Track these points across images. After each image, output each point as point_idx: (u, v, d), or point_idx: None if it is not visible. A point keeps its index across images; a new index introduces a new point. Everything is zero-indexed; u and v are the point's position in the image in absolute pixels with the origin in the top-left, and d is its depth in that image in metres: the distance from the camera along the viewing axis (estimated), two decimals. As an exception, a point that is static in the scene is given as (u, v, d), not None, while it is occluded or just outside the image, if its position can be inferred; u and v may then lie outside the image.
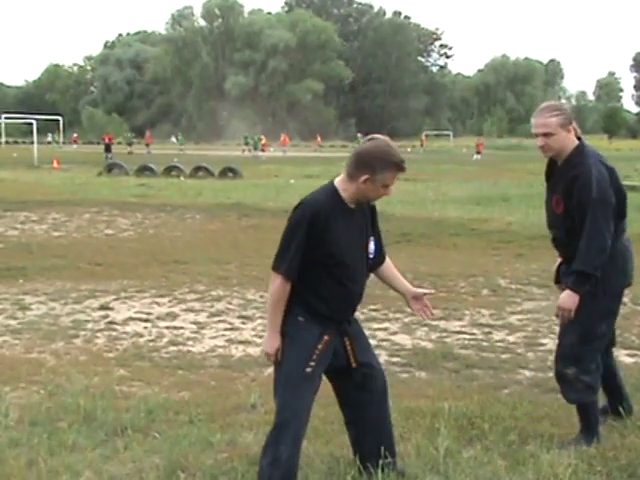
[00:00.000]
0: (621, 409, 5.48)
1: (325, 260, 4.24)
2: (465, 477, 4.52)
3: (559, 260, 5.43)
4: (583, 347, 5.05)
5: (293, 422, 4.25)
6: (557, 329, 8.54)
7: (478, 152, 61.48)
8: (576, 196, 4.92)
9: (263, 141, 67.11)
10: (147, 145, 74.12)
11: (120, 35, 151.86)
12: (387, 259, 4.65)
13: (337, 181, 4.34)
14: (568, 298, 4.95)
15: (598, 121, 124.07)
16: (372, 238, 4.47)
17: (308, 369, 4.24)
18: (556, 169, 5.19)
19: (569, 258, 5.13)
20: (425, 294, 4.64)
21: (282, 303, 4.25)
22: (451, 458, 4.77)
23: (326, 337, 4.27)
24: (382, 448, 4.49)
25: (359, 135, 68.82)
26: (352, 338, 4.41)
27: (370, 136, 4.40)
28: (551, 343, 8.11)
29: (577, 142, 5.08)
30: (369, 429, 4.52)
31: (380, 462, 4.46)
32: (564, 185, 5.03)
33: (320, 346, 4.26)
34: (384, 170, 4.22)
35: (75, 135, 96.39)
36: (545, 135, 5.04)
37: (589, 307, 4.97)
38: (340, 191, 4.30)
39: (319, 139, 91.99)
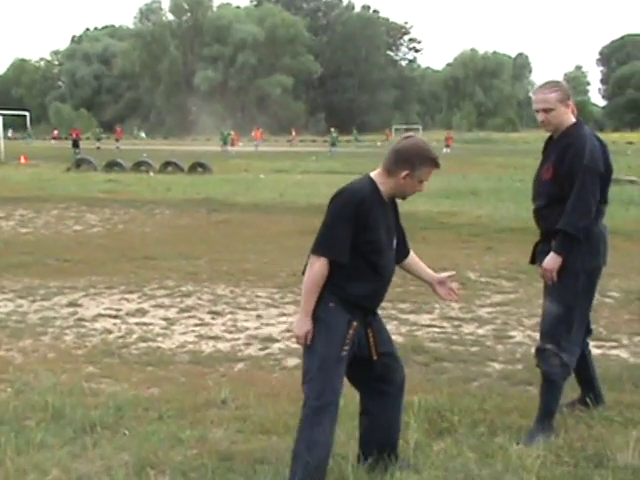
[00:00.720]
0: (589, 400, 5.53)
1: (365, 247, 4.34)
2: (435, 470, 4.53)
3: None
4: (563, 325, 5.15)
5: (331, 405, 4.34)
6: (526, 322, 8.67)
7: (447, 146, 61.64)
8: (568, 162, 5.10)
9: (232, 136, 66.88)
10: (117, 140, 73.65)
11: (87, 29, 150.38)
12: (411, 252, 4.81)
13: (374, 175, 4.48)
14: (551, 259, 5.13)
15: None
16: (396, 232, 4.61)
17: (343, 352, 4.33)
18: (553, 142, 5.36)
19: (547, 233, 5.30)
20: (449, 276, 4.79)
21: (319, 287, 4.33)
22: (421, 451, 4.79)
23: (355, 323, 4.37)
24: (391, 442, 4.60)
25: (332, 130, 68.75)
26: (375, 331, 4.51)
27: (406, 134, 4.58)
28: (520, 335, 8.18)
29: (574, 120, 5.25)
30: (382, 421, 4.58)
31: (386, 455, 4.54)
32: (557, 153, 5.20)
33: (351, 331, 4.36)
34: (422, 166, 4.40)
35: (56, 132, 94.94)
36: (545, 110, 5.22)
37: (569, 285, 5.12)
38: (378, 184, 4.43)
39: (294, 133, 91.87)
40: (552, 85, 5.28)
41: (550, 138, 5.44)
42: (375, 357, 4.48)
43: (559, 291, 5.15)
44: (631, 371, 6.56)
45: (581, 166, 5.02)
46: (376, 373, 4.54)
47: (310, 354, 4.39)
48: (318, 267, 4.31)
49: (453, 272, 4.89)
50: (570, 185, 5.05)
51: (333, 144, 62.49)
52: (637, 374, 6.46)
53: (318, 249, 4.34)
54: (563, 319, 5.15)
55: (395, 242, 4.59)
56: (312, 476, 4.25)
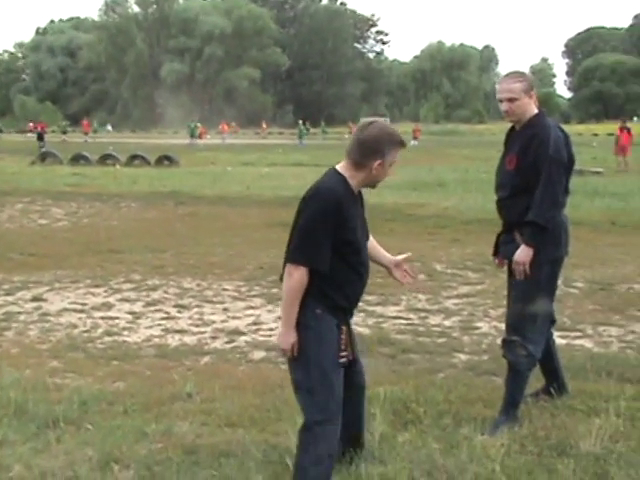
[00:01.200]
0: (552, 390, 5.57)
1: (344, 248, 4.13)
2: (400, 461, 4.54)
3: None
4: (528, 316, 5.17)
5: (335, 417, 4.15)
6: (492, 313, 8.71)
7: (415, 138, 61.73)
8: (532, 154, 5.11)
9: (200, 128, 66.58)
10: (85, 133, 73.04)
11: (52, 21, 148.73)
12: (370, 237, 4.57)
13: (341, 169, 4.25)
14: (522, 252, 5.11)
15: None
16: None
17: (341, 359, 4.19)
18: (516, 133, 5.37)
19: (509, 224, 5.32)
20: (404, 259, 4.66)
21: (299, 297, 4.08)
22: (386, 443, 4.80)
23: (343, 327, 4.23)
24: (355, 437, 4.55)
25: (300, 122, 68.75)
26: (351, 331, 4.36)
27: (366, 121, 4.38)
28: (486, 326, 8.22)
29: (536, 111, 5.28)
30: (347, 421, 4.34)
31: (351, 448, 4.51)
32: (521, 143, 5.21)
33: (343, 336, 4.22)
34: (391, 150, 4.22)
35: (32, 124, 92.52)
36: (509, 100, 5.23)
37: (532, 277, 5.12)
38: (347, 179, 4.21)
39: (265, 126, 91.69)
40: (517, 75, 5.31)
41: (512, 129, 5.45)
42: (351, 357, 4.29)
43: (523, 282, 5.17)
44: (595, 360, 6.61)
45: (547, 157, 5.04)
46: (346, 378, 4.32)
47: (304, 366, 4.13)
48: (298, 276, 4.04)
49: (409, 254, 4.77)
50: (535, 176, 5.06)
51: (301, 136, 62.49)
52: (600, 363, 6.52)
53: (297, 258, 4.06)
54: (528, 310, 5.17)
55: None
56: None
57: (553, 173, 5.04)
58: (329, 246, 4.07)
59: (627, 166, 31.36)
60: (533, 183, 5.07)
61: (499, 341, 7.46)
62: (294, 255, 4.08)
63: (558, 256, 5.27)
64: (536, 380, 5.68)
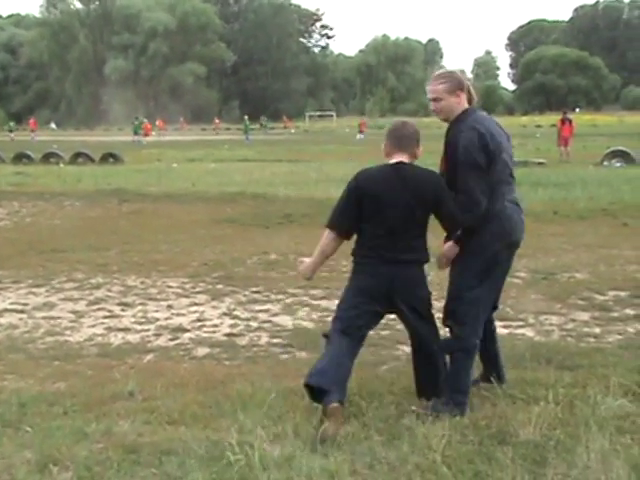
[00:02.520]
0: (492, 379, 5.62)
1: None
2: (342, 454, 4.54)
3: None
4: (457, 301, 5.35)
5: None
6: (437, 304, 8.72)
7: (361, 132, 61.97)
8: (450, 160, 5.32)
9: (145, 125, 66.02)
10: (32, 131, 71.96)
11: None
12: None
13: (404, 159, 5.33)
14: (448, 247, 5.44)
15: (477, 99, 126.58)
16: None
17: None
18: (447, 131, 5.53)
19: None
20: None
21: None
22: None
23: None
24: None
25: (246, 117, 68.59)
26: None
27: (402, 120, 5.51)
28: (430, 318, 8.25)
29: (464, 108, 5.42)
30: None
31: None
32: (444, 148, 5.43)
33: None
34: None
35: (12, 123, 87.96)
36: (434, 100, 5.45)
37: (464, 263, 5.32)
38: None
39: (217, 121, 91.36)
40: (442, 76, 5.46)
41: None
42: None
43: (460, 270, 5.37)
44: (535, 349, 6.69)
45: (458, 163, 5.21)
46: None
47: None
48: None
49: None
50: (458, 179, 5.25)
51: (247, 132, 62.32)
52: (541, 352, 6.59)
53: None
54: (457, 295, 5.35)
55: None
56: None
57: (466, 177, 5.18)
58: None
59: (569, 156, 31.82)
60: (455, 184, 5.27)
61: (442, 332, 7.59)
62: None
63: (496, 247, 5.30)
64: (477, 369, 5.73)
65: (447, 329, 5.49)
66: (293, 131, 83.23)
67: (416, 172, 5.28)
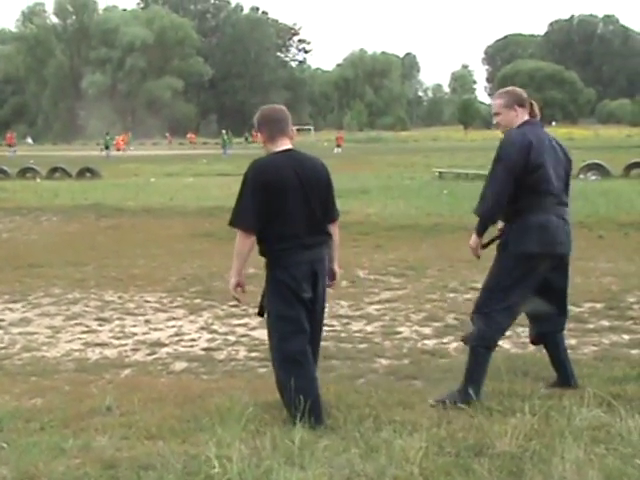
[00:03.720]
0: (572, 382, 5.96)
1: None
2: (320, 467, 4.54)
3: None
4: (484, 295, 5.72)
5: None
6: (413, 317, 8.83)
7: (338, 145, 62.17)
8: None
9: (117, 139, 65.92)
10: (10, 146, 71.42)
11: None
12: None
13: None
14: (471, 238, 5.80)
15: (454, 113, 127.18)
16: None
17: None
18: None
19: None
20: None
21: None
22: (307, 449, 4.79)
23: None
24: None
25: (223, 131, 68.59)
26: None
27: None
28: (407, 331, 8.31)
29: (523, 120, 5.79)
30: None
31: None
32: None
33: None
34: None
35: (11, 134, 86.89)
36: (495, 114, 5.92)
37: (497, 263, 5.73)
38: None
39: (192, 135, 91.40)
40: (501, 92, 5.95)
41: None
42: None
43: (494, 267, 5.74)
44: (512, 361, 6.72)
45: (496, 157, 5.61)
46: None
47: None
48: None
49: None
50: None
51: (224, 146, 62.25)
52: (517, 364, 6.64)
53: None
54: (489, 290, 5.68)
55: None
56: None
57: (495, 171, 5.58)
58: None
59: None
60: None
61: (420, 345, 7.65)
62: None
63: (523, 252, 5.59)
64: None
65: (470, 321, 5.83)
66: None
67: (307, 157, 5.44)
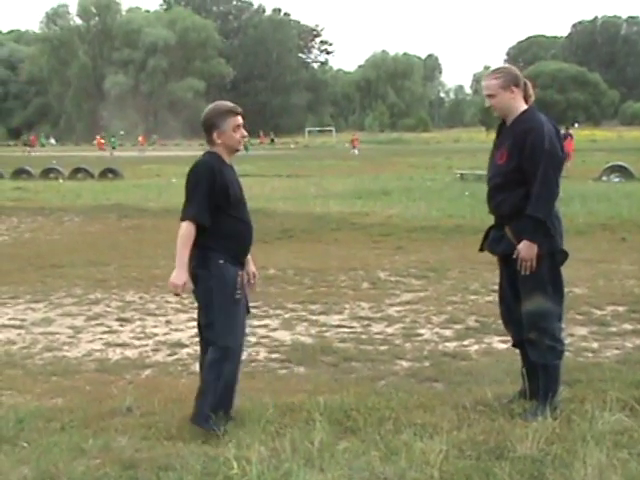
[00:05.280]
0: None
1: (226, 202, 5.20)
2: (340, 469, 4.53)
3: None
4: (540, 311, 5.32)
5: (233, 343, 5.22)
6: (434, 319, 8.77)
7: (354, 147, 62.58)
8: (529, 147, 5.24)
9: (97, 139, 67.48)
10: (31, 146, 72.55)
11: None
12: None
13: (211, 149, 5.38)
14: (527, 249, 5.24)
15: (476, 114, 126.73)
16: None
17: (237, 295, 5.21)
18: (506, 128, 5.53)
19: (500, 217, 5.48)
20: (252, 272, 5.56)
21: (189, 244, 5.23)
22: (326, 451, 4.79)
23: (240, 272, 5.29)
24: None
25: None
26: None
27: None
28: (428, 333, 8.27)
29: (526, 106, 5.44)
30: None
31: None
32: (514, 139, 5.34)
33: (239, 279, 5.25)
34: (223, 119, 5.28)
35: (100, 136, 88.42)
36: (489, 96, 5.46)
37: (543, 269, 5.29)
38: (217, 154, 5.32)
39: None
40: (496, 72, 5.50)
41: (503, 123, 5.59)
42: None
43: (528, 281, 5.32)
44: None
45: (543, 151, 5.18)
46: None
47: (210, 307, 5.28)
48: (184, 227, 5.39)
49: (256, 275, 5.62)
50: (534, 168, 5.20)
51: (246, 148, 62.30)
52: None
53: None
54: (538, 306, 5.31)
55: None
56: (221, 397, 5.18)
57: (549, 167, 5.20)
58: (206, 204, 5.22)
59: (567, 172, 31.70)
60: (526, 177, 5.24)
61: (441, 347, 7.61)
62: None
63: (556, 247, 5.36)
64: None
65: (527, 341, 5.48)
66: (293, 146, 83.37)
67: None
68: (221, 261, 5.21)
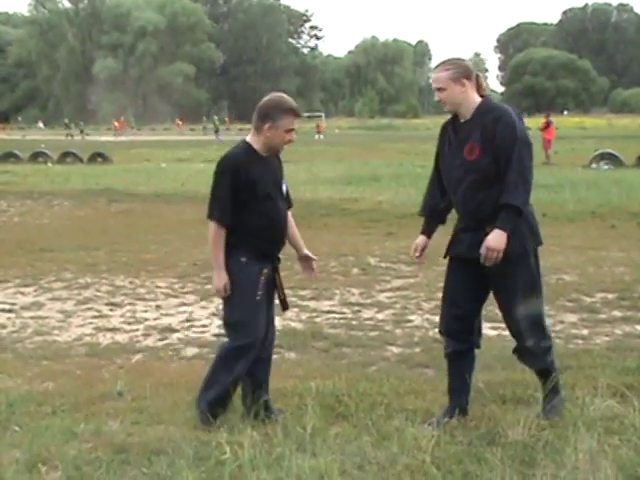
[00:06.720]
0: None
1: (252, 198, 5.03)
2: (332, 454, 4.53)
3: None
4: (534, 316, 5.02)
5: (248, 342, 5.03)
6: (425, 305, 8.78)
7: (318, 132, 63.09)
8: (499, 136, 4.86)
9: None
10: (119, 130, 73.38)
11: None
12: (291, 219, 5.40)
13: (248, 137, 5.21)
14: (498, 237, 4.81)
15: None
16: (284, 181, 5.33)
17: (257, 297, 5.05)
18: (464, 124, 5.07)
19: (479, 220, 4.98)
20: (312, 258, 5.40)
21: (221, 244, 5.08)
22: (318, 436, 4.79)
23: (265, 270, 5.11)
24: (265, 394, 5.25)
25: (215, 117, 69.54)
26: (280, 275, 5.28)
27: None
28: (419, 319, 8.28)
29: (480, 99, 5.04)
30: (261, 372, 5.24)
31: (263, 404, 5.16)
32: (483, 130, 4.92)
33: (262, 277, 5.07)
34: (282, 116, 5.05)
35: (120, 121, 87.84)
36: (438, 90, 5.05)
37: (533, 267, 5.02)
38: (252, 144, 5.14)
39: (180, 122, 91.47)
40: (446, 64, 5.07)
41: (453, 121, 5.17)
42: (282, 296, 5.29)
43: (520, 285, 4.99)
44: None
45: (516, 139, 4.83)
46: None
47: (229, 304, 5.12)
48: (212, 228, 5.20)
49: (316, 257, 5.49)
50: (507, 157, 4.82)
51: (217, 131, 62.55)
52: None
53: (208, 214, 5.21)
54: (533, 311, 5.01)
55: (285, 188, 5.32)
56: (227, 391, 5.07)
57: (524, 155, 4.82)
58: (230, 202, 5.07)
59: (549, 159, 31.57)
60: (504, 168, 4.83)
61: (431, 333, 7.61)
62: (208, 211, 5.20)
63: (538, 244, 5.10)
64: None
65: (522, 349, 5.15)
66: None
67: None
68: (243, 259, 5.06)
